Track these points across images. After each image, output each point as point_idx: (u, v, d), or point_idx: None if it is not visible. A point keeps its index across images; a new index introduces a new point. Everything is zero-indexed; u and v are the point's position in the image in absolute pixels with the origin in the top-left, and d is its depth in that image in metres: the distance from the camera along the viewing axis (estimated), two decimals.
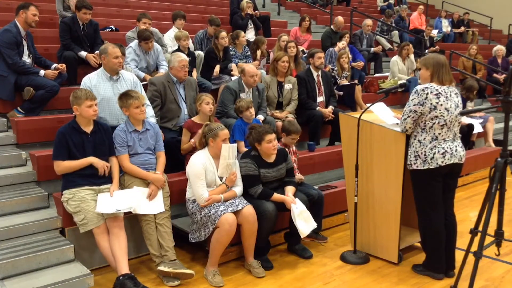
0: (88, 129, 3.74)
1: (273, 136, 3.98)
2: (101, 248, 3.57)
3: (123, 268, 3.47)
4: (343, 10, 12.46)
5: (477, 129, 7.58)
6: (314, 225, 3.98)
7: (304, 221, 3.91)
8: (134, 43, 5.81)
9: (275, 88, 5.94)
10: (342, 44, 8.05)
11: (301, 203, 3.96)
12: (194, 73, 6.27)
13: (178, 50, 6.07)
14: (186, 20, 7.60)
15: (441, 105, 3.48)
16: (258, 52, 7.18)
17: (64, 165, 3.64)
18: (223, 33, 6.51)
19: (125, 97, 3.89)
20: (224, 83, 6.19)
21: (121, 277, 3.43)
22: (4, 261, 3.41)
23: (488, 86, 10.04)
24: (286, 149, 4.35)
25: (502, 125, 4.76)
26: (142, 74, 5.73)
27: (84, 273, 3.55)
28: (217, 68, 6.38)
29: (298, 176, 4.54)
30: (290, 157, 4.32)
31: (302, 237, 3.99)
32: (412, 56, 8.79)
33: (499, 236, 3.15)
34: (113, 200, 3.62)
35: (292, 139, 4.58)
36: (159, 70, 5.93)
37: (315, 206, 4.20)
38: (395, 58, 8.69)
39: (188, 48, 6.43)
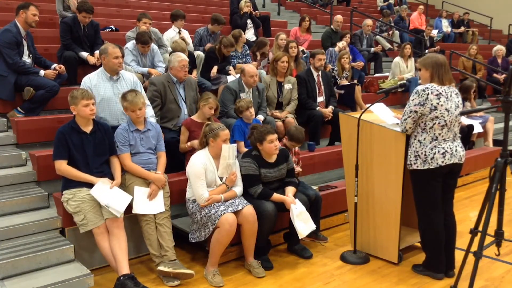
0: (88, 129, 3.73)
1: (275, 136, 3.98)
2: (101, 248, 3.57)
3: (124, 268, 3.47)
4: (343, 10, 12.45)
5: (477, 129, 7.58)
6: (313, 226, 3.97)
7: (303, 222, 3.91)
8: (130, 44, 5.76)
9: (275, 88, 5.94)
10: (342, 44, 8.05)
11: (300, 204, 3.96)
12: (194, 73, 6.26)
13: None
14: (186, 20, 7.59)
15: (442, 105, 3.48)
16: (258, 54, 7.17)
17: (65, 169, 3.64)
18: (232, 48, 6.48)
19: (122, 99, 3.94)
20: (223, 83, 6.20)
21: (121, 277, 3.43)
22: (4, 261, 3.41)
23: (488, 86, 10.05)
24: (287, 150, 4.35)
25: (502, 125, 4.76)
26: (145, 69, 5.70)
27: (84, 273, 3.55)
28: (214, 69, 6.37)
29: (297, 169, 4.56)
30: (291, 157, 4.32)
31: (300, 238, 3.99)
32: (412, 58, 8.78)
33: (499, 236, 3.16)
34: (109, 193, 3.61)
35: (292, 145, 4.58)
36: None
37: (313, 207, 4.20)
38: (397, 60, 8.68)
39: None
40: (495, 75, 10.06)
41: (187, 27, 7.38)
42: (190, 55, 6.28)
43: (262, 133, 3.96)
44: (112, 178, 3.78)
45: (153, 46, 5.98)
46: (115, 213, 3.59)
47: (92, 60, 5.63)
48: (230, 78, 6.16)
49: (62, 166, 3.64)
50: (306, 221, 3.94)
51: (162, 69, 5.84)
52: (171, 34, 6.93)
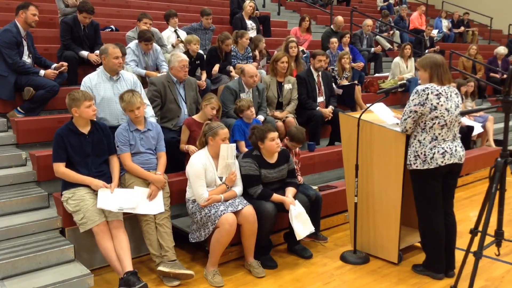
0: (86, 129, 3.72)
1: (276, 134, 3.98)
2: (101, 247, 3.56)
3: (127, 266, 3.49)
4: (343, 10, 12.46)
5: (477, 130, 7.58)
6: (311, 229, 3.96)
7: (301, 224, 3.90)
8: (133, 44, 5.79)
9: (275, 88, 5.94)
10: (334, 43, 8.03)
11: (300, 205, 3.95)
12: (204, 76, 6.23)
13: (187, 53, 6.02)
14: (187, 20, 7.58)
15: (442, 105, 3.48)
16: (257, 53, 7.16)
17: (63, 171, 3.63)
18: (230, 41, 6.48)
19: (120, 100, 3.95)
20: (223, 83, 6.20)
21: (125, 274, 3.45)
22: (4, 261, 3.41)
23: (488, 86, 10.06)
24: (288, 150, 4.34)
25: (502, 125, 4.76)
26: (143, 72, 5.71)
27: (84, 273, 3.55)
28: (216, 67, 6.38)
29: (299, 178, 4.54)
30: (292, 158, 4.32)
31: (298, 239, 3.97)
32: (412, 58, 8.78)
33: (499, 236, 3.16)
34: (114, 197, 3.63)
35: (293, 146, 4.58)
36: (161, 70, 5.92)
37: (313, 207, 4.20)
38: (397, 60, 8.68)
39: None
40: (492, 74, 10.07)
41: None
42: (199, 57, 6.27)
43: (263, 131, 3.96)
44: (110, 178, 3.79)
45: (156, 46, 6.00)
46: (132, 211, 3.68)
47: (93, 57, 5.63)
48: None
49: (60, 169, 3.64)
50: (305, 222, 3.93)
51: (166, 68, 5.84)
52: (167, 34, 6.94)
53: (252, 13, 8.47)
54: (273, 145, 3.95)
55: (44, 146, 4.68)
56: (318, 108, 6.13)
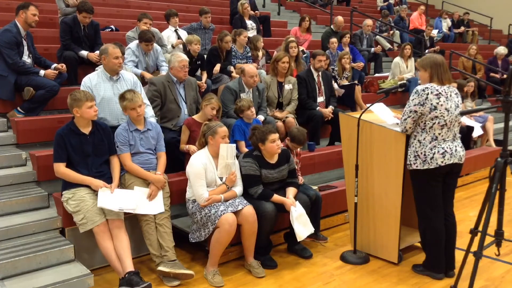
0: (87, 130, 3.73)
1: (277, 135, 3.98)
2: (101, 247, 3.57)
3: (128, 266, 3.48)
4: (343, 10, 12.46)
5: (477, 131, 7.57)
6: (311, 229, 3.96)
7: (302, 225, 3.90)
8: (133, 44, 5.78)
9: (275, 88, 5.94)
10: (333, 42, 8.03)
11: (300, 206, 3.95)
12: (204, 76, 6.23)
13: (188, 53, 6.02)
14: (187, 20, 7.56)
15: (442, 105, 3.48)
16: (260, 53, 7.15)
17: (63, 171, 3.63)
18: (228, 37, 6.48)
19: (121, 99, 3.94)
20: (223, 83, 6.19)
21: (126, 274, 3.45)
22: (4, 261, 3.41)
23: (488, 86, 10.06)
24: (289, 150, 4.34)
25: (502, 125, 4.76)
26: (139, 71, 5.70)
27: (84, 273, 3.55)
28: (217, 67, 6.38)
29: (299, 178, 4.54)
30: (293, 158, 4.32)
31: (299, 240, 3.97)
32: (412, 58, 8.78)
33: (499, 236, 3.16)
34: (114, 198, 3.63)
35: (294, 146, 4.58)
36: (161, 71, 5.92)
37: (313, 207, 4.20)
38: (397, 60, 8.68)
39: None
40: (492, 74, 10.08)
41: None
42: (200, 58, 6.26)
43: (264, 133, 3.96)
44: (110, 178, 3.79)
45: (156, 46, 6.00)
46: (132, 211, 3.68)
47: (93, 56, 5.62)
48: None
49: (61, 169, 3.64)
50: (305, 224, 3.93)
51: (166, 68, 5.83)
52: (167, 34, 6.93)
53: (249, 11, 8.45)
54: (273, 146, 3.95)
55: (44, 146, 4.68)
56: (318, 108, 6.14)
